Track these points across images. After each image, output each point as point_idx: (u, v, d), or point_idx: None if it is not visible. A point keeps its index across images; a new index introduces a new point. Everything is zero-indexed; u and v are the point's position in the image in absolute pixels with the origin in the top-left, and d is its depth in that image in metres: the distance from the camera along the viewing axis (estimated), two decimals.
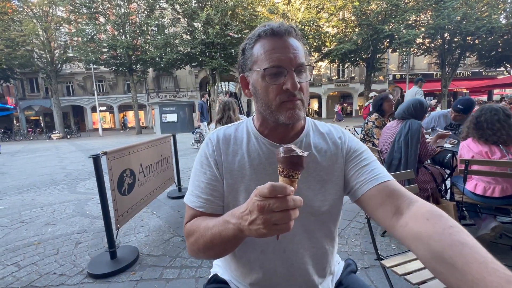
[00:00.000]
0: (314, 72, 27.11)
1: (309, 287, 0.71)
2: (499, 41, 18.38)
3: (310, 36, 18.20)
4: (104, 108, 27.61)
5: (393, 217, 0.57)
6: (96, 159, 1.97)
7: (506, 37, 18.05)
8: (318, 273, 0.72)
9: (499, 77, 22.03)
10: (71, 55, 19.91)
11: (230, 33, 17.14)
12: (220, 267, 0.84)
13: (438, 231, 0.47)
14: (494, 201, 1.90)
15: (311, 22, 17.98)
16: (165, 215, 3.09)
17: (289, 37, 0.63)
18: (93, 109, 26.01)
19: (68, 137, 19.77)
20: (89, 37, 17.70)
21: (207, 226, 0.58)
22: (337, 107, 23.88)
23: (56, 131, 20.38)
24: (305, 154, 0.47)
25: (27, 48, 18.56)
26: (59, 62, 19.85)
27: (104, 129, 22.40)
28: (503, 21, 17.21)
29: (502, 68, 20.77)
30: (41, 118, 27.61)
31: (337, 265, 0.83)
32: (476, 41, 18.21)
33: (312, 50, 19.53)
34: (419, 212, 0.53)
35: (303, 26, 17.83)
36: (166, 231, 2.67)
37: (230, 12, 17.06)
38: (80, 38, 18.04)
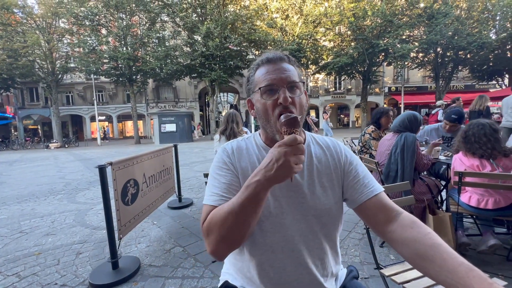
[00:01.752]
0: (312, 84, 27.64)
1: (315, 285, 0.77)
2: (490, 56, 19.01)
3: (308, 49, 18.66)
4: (103, 117, 27.68)
5: (384, 225, 0.71)
6: (102, 169, 2.02)
7: (496, 52, 18.68)
8: (321, 273, 0.78)
9: (491, 90, 22.59)
10: (72, 65, 20.18)
11: (230, 46, 17.54)
12: (230, 275, 0.88)
13: (421, 236, 0.63)
14: (488, 213, 1.96)
15: (309, 36, 18.48)
16: (165, 226, 3.11)
17: (282, 62, 0.75)
18: (92, 119, 26.07)
19: (66, 146, 19.71)
20: (91, 48, 18.02)
21: (231, 203, 0.63)
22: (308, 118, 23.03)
23: (54, 140, 20.34)
24: (299, 116, 0.65)
25: (29, 59, 18.81)
26: (60, 72, 20.07)
27: (102, 139, 22.39)
28: (493, 37, 17.85)
29: (494, 82, 21.37)
30: (39, 127, 27.57)
31: (341, 270, 0.89)
32: (468, 56, 18.80)
33: (309, 62, 19.97)
34: (405, 222, 0.69)
35: (301, 40, 18.30)
36: (167, 242, 2.68)
37: (230, 25, 17.53)
38: (81, 49, 18.36)
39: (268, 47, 18.19)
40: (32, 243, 2.78)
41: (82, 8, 17.41)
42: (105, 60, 18.59)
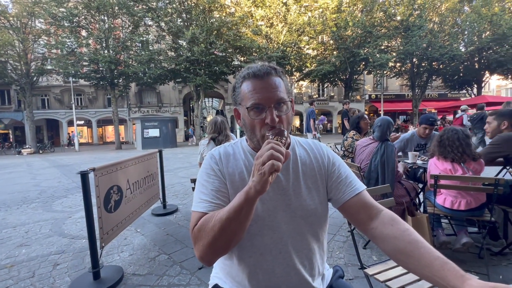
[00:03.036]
0: (296, 90, 28.19)
1: (303, 284, 0.79)
2: (460, 67, 20.44)
3: (292, 57, 19.09)
4: (82, 122, 26.56)
5: (366, 222, 0.76)
6: (84, 175, 1.95)
7: (466, 63, 20.09)
8: (309, 273, 0.80)
9: (462, 98, 24.17)
10: (49, 67, 19.27)
11: (215, 52, 17.57)
12: (219, 278, 0.89)
13: (400, 233, 0.68)
14: (461, 214, 2.10)
15: (293, 44, 18.95)
16: (149, 233, 3.02)
17: (269, 77, 0.74)
18: (70, 123, 24.91)
19: (41, 152, 18.65)
20: (70, 50, 17.33)
21: (223, 210, 0.65)
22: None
23: (27, 146, 19.21)
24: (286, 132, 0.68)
25: (1, 59, 17.76)
26: (35, 74, 19.09)
27: (80, 144, 21.41)
28: (463, 50, 19.22)
29: (464, 91, 22.90)
30: (10, 132, 25.94)
31: (327, 270, 0.92)
32: (441, 66, 20.10)
33: (293, 70, 20.42)
34: (385, 219, 0.73)
35: (285, 48, 18.72)
36: (151, 249, 2.61)
37: (215, 31, 17.59)
38: (59, 51, 17.61)
39: (253, 54, 18.42)
40: (4, 255, 2.60)
41: (61, 9, 16.75)
42: (84, 63, 17.94)
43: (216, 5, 17.73)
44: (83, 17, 17.58)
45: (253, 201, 0.61)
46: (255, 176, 0.59)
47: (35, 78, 19.36)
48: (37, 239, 2.97)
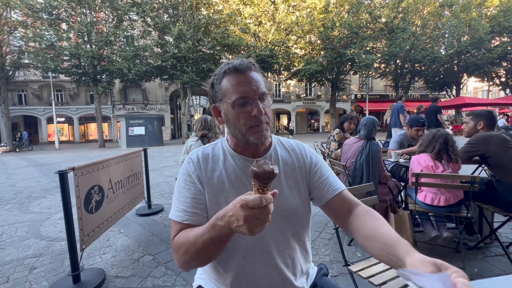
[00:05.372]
0: (284, 89, 28.35)
1: (286, 285, 0.79)
2: (441, 69, 21.30)
3: (280, 56, 19.16)
4: (63, 119, 25.48)
5: (346, 218, 0.79)
6: (62, 175, 1.87)
7: (446, 66, 20.96)
8: (291, 272, 0.81)
9: (442, 99, 25.19)
10: (26, 61, 18.28)
11: (203, 49, 17.31)
12: (203, 280, 0.88)
13: (367, 221, 0.72)
14: (440, 210, 2.18)
15: (281, 43, 19.02)
16: (133, 234, 2.95)
17: (250, 71, 0.75)
18: (49, 120, 23.84)
19: (17, 150, 17.76)
20: (49, 43, 16.50)
21: (196, 234, 0.64)
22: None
23: (2, 144, 18.21)
24: (276, 170, 0.54)
25: None
26: (11, 68, 18.07)
27: (61, 142, 20.54)
28: (443, 52, 20.04)
29: (444, 92, 23.89)
30: None
31: (311, 269, 0.93)
32: (423, 68, 20.86)
33: (281, 69, 20.50)
34: (360, 212, 0.77)
35: (274, 46, 18.75)
36: (135, 250, 2.54)
37: (203, 28, 17.33)
38: (37, 44, 16.74)
39: (242, 52, 18.33)
40: None
41: (39, 0, 15.90)
42: (65, 57, 17.13)
43: (203, 2, 17.46)
44: (63, 9, 16.75)
45: (230, 235, 0.61)
46: (233, 220, 0.55)
47: (10, 72, 18.34)
48: (12, 242, 2.83)
